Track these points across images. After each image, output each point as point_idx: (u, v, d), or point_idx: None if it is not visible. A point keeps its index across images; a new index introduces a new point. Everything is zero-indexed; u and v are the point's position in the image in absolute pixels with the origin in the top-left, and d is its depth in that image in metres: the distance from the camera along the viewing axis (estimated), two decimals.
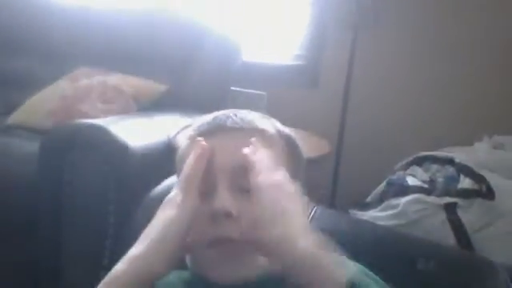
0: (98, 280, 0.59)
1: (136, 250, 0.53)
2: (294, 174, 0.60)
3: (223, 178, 0.56)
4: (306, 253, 0.49)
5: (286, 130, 0.65)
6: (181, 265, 0.61)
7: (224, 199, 0.54)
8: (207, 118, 0.63)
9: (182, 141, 0.64)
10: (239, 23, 1.97)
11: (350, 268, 0.56)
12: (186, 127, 0.68)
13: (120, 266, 0.52)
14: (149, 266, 0.51)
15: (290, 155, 0.63)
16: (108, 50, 1.77)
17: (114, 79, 1.58)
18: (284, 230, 0.50)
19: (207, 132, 0.60)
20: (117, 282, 0.51)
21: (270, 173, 0.55)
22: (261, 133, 0.61)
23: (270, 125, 0.63)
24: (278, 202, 0.52)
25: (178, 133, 1.30)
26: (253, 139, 0.58)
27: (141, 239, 0.54)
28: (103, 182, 1.04)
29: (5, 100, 1.67)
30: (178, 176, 0.64)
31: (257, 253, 0.54)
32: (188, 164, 0.57)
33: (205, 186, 0.57)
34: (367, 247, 0.69)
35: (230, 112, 0.62)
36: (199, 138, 0.59)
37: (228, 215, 0.54)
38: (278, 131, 0.63)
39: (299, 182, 0.61)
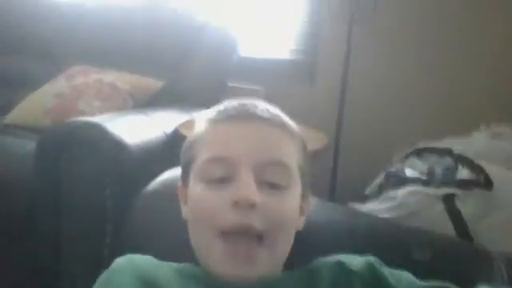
0: (98, 276, 0.59)
1: None
2: (305, 170, 0.62)
3: (247, 167, 0.55)
4: None
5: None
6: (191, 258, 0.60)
7: (250, 188, 0.53)
8: (231, 103, 0.61)
9: (200, 124, 0.62)
10: (235, 18, 1.97)
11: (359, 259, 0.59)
12: (191, 120, 0.68)
13: None
14: None
15: (304, 152, 0.63)
16: (104, 47, 1.77)
17: (110, 76, 1.58)
18: None
19: (235, 116, 0.59)
20: None
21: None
22: (287, 128, 0.61)
23: (291, 121, 0.63)
24: None
25: (183, 125, 1.30)
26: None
27: None
28: (100, 179, 1.04)
29: (1, 99, 1.67)
30: (186, 165, 0.62)
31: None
32: None
33: (225, 170, 0.56)
34: (364, 238, 0.70)
35: (254, 101, 0.61)
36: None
37: (252, 206, 0.53)
38: (297, 128, 0.63)
39: (306, 177, 0.62)
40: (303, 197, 0.63)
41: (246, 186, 0.53)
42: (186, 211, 0.63)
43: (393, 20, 1.89)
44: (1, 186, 1.18)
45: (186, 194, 0.62)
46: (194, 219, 0.59)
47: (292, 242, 0.60)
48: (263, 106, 0.61)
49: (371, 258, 0.59)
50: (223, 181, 0.56)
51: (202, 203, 0.57)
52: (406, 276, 0.57)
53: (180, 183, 0.64)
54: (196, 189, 0.58)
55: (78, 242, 1.07)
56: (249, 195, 0.53)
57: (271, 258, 0.56)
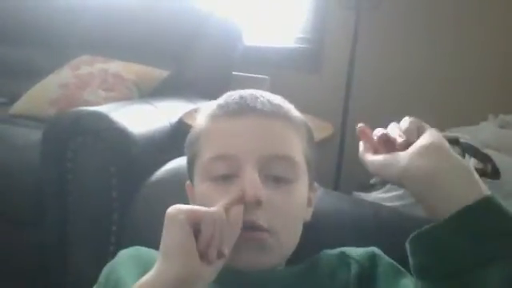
0: (105, 265, 0.59)
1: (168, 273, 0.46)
2: (311, 159, 0.61)
3: (251, 162, 0.54)
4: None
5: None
6: None
7: (255, 185, 0.52)
8: (231, 96, 0.60)
9: (201, 120, 0.61)
10: (240, 7, 1.95)
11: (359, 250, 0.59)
12: (195, 110, 0.66)
13: None
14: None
15: (309, 141, 0.62)
16: (109, 37, 1.76)
17: (115, 66, 1.58)
18: None
19: (235, 112, 0.57)
20: None
21: None
22: (290, 119, 0.59)
23: (294, 110, 0.62)
24: None
25: (187, 115, 1.30)
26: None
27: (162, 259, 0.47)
28: (106, 168, 1.04)
29: (7, 90, 1.67)
30: (190, 161, 0.62)
31: None
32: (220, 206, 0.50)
33: (229, 167, 0.55)
34: (369, 228, 0.69)
35: (256, 93, 0.60)
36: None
37: (258, 203, 0.52)
38: (301, 116, 0.62)
39: (312, 166, 0.61)
40: (310, 187, 0.62)
41: (252, 183, 0.52)
42: None
43: (400, 7, 1.86)
44: (7, 176, 1.19)
45: (193, 192, 0.61)
46: None
47: (300, 233, 0.59)
48: (264, 98, 0.59)
49: (374, 249, 0.60)
50: (228, 178, 0.55)
51: (208, 201, 0.56)
52: (405, 280, 0.56)
53: (188, 182, 0.64)
54: (201, 187, 0.58)
55: (85, 231, 1.08)
56: (255, 192, 0.52)
57: (280, 248, 0.56)
